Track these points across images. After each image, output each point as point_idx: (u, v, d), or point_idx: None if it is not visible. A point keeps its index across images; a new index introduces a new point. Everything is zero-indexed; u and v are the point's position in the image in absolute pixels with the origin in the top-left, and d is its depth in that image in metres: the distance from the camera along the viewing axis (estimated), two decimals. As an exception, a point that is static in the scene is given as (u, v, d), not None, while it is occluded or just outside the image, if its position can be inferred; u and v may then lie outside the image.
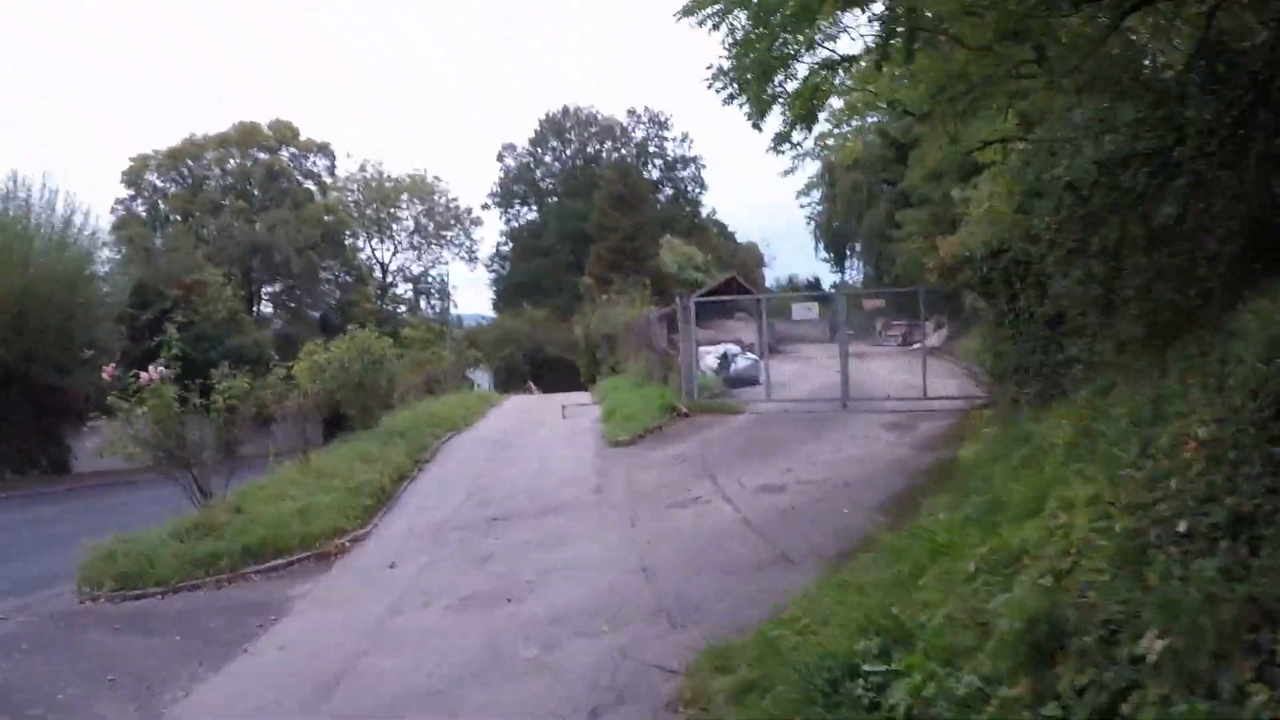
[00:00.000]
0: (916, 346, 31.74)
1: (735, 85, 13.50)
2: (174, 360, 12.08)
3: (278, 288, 46.59)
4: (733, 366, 20.87)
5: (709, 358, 20.89)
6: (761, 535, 8.96)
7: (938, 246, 27.36)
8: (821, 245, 51.50)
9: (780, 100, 13.01)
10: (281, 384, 14.42)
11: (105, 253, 28.98)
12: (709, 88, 13.12)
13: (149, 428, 11.28)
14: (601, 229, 43.78)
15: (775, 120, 11.53)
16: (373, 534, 11.30)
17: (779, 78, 12.45)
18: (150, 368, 11.61)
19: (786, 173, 54.24)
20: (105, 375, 11.72)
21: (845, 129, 13.87)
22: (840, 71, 12.72)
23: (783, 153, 13.17)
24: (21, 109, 72.94)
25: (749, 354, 22.38)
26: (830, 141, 17.14)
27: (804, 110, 13.01)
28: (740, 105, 13.32)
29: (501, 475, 13.45)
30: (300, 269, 42.93)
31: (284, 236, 41.97)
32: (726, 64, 10.65)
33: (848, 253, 51.92)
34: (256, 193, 46.08)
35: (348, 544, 10.85)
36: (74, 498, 19.07)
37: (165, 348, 12.11)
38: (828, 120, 13.47)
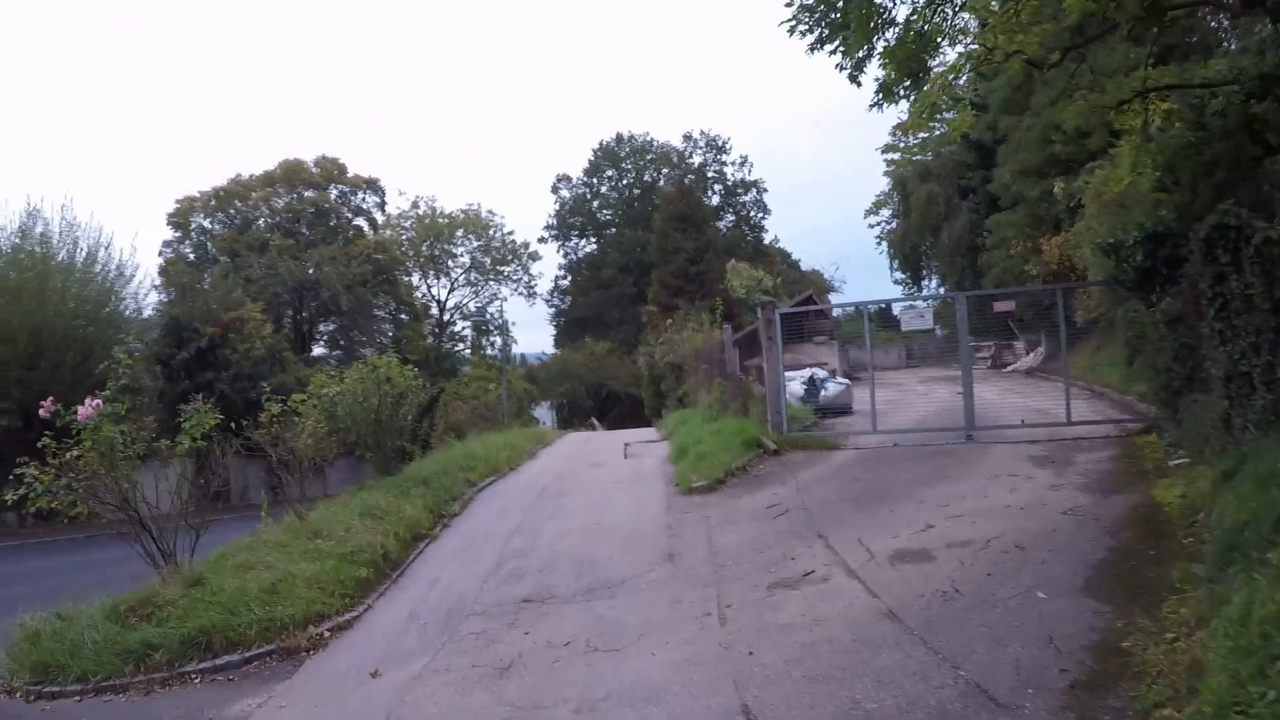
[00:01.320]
0: (1010, 369, 28.15)
1: (824, 25, 10.65)
2: (124, 393, 9.45)
3: (331, 326, 44.78)
4: (822, 393, 17.57)
5: (793, 383, 17.60)
6: (924, 642, 5.68)
7: (1041, 249, 24.05)
8: (896, 265, 48.06)
9: (879, 45, 10.33)
10: (280, 420, 11.61)
11: (133, 287, 26.74)
12: (790, 32, 10.28)
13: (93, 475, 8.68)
14: (663, 253, 40.69)
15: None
16: (363, 620, 8.27)
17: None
18: (87, 400, 8.93)
19: (886, 151, 51.28)
20: (42, 411, 9.02)
21: (963, 77, 10.77)
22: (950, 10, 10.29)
23: (885, 108, 10.57)
24: (68, 151, 73.89)
25: (839, 378, 19.03)
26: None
27: (909, 55, 10.15)
28: (831, 51, 10.44)
29: (544, 534, 10.33)
30: (350, 306, 40.93)
31: (332, 273, 40.07)
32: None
33: (925, 271, 48.34)
34: (305, 231, 44.53)
35: (326, 633, 7.86)
36: (74, 550, 16.51)
37: (110, 376, 9.45)
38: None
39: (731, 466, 12.49)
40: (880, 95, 10.33)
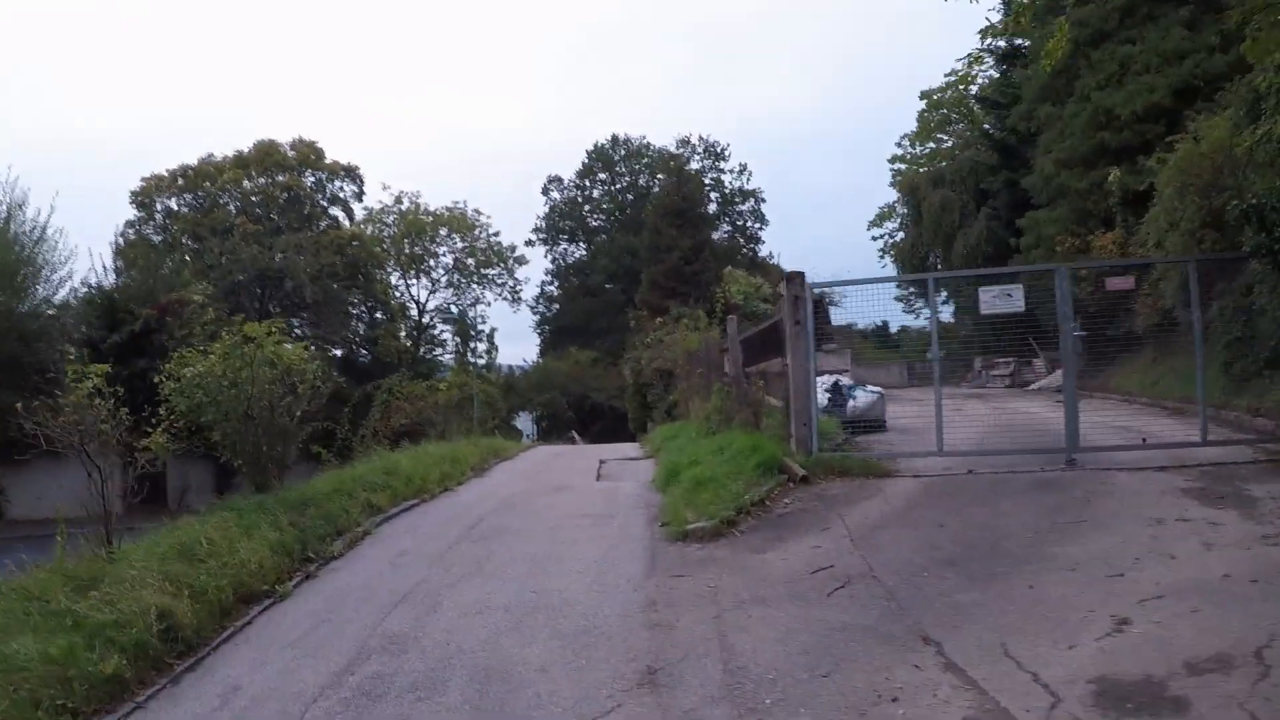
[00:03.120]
0: (1035, 387, 24.33)
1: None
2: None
3: (297, 321, 40.57)
4: (850, 403, 13.64)
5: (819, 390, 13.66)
6: None
7: (1089, 247, 20.48)
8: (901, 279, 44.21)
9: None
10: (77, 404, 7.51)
11: (59, 255, 22.83)
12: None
13: None
14: (655, 250, 36.28)
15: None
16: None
17: None
18: None
19: (894, 161, 47.81)
20: None
21: None
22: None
23: None
24: (30, 126, 69.49)
25: (870, 387, 14.98)
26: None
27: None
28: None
29: (444, 609, 6.18)
30: (315, 299, 36.74)
31: (298, 262, 35.96)
32: None
33: (934, 285, 44.48)
34: (275, 217, 40.41)
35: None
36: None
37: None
38: None
39: (745, 499, 8.46)
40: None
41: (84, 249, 39.86)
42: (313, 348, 10.45)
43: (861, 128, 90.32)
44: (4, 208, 22.26)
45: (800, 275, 10.71)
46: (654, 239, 37.00)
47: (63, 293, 26.42)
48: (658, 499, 9.95)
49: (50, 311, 25.07)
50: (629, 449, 19.57)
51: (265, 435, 9.53)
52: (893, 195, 49.39)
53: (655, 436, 19.20)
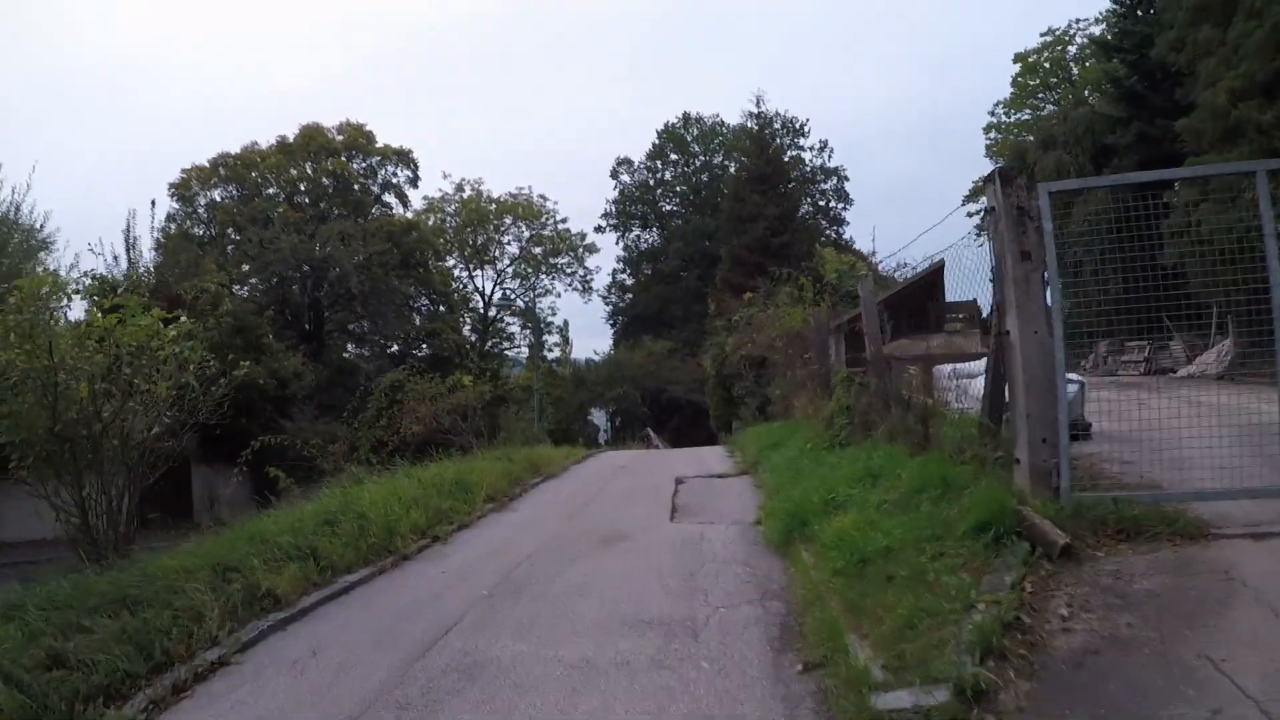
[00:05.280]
0: (1184, 373, 18.88)
1: None
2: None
3: (348, 314, 37.18)
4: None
5: (975, 383, 8.87)
6: None
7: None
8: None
9: None
10: None
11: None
12: None
13: None
14: (737, 222, 30.96)
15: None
16: None
17: None
18: None
19: (988, 131, 41.75)
20: None
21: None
22: None
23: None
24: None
25: (1070, 375, 10.01)
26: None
27: None
28: None
29: None
30: (362, 290, 33.17)
31: (342, 251, 32.44)
32: None
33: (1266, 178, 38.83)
34: (322, 205, 37.11)
35: None
36: None
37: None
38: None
39: (987, 620, 3.79)
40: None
41: (101, 240, 36.53)
42: (184, 319, 6.06)
43: (929, 118, 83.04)
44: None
45: (1021, 175, 5.98)
46: (735, 208, 31.77)
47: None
48: (779, 574, 5.40)
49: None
50: (713, 456, 15.07)
51: (87, 467, 5.32)
52: (985, 168, 44.06)
53: (747, 440, 14.64)
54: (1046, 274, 5.54)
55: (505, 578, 5.94)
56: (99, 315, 5.50)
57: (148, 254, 24.38)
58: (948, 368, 10.21)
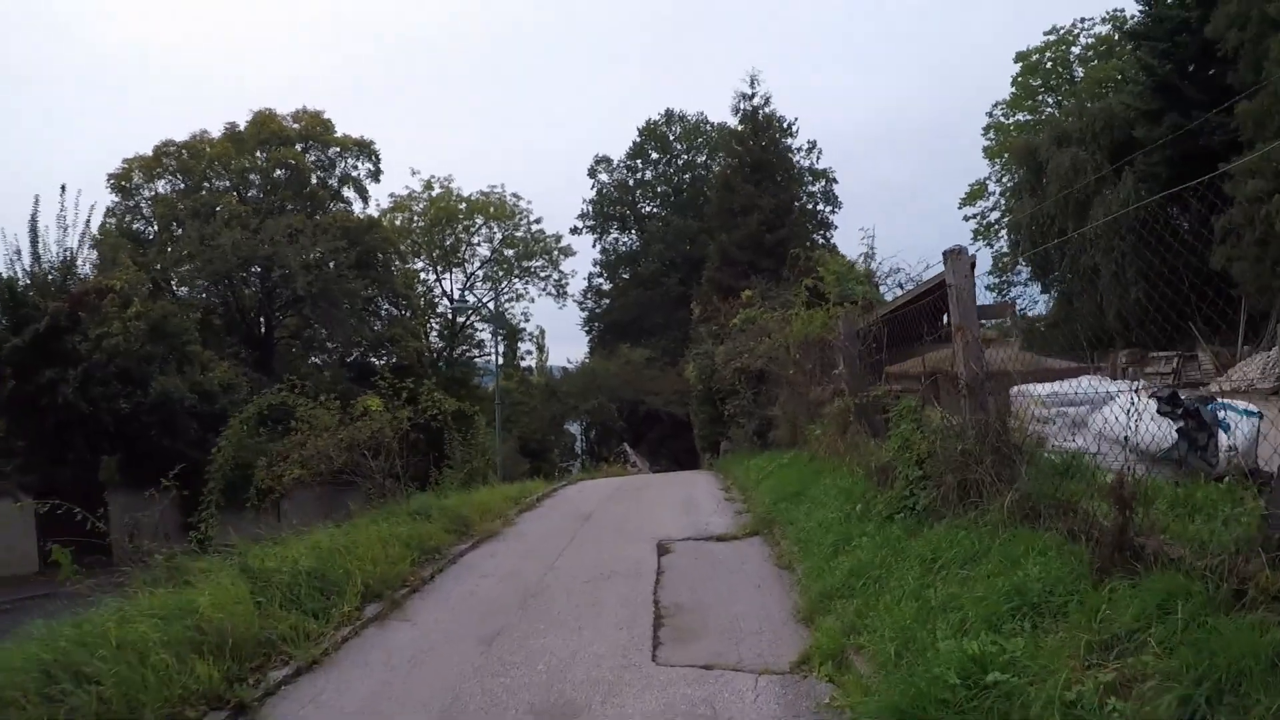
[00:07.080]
0: (1226, 386, 16.05)
1: None
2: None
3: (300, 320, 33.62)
4: (1229, 439, 5.72)
5: (1102, 414, 5.69)
6: None
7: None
8: (1017, 254, 35.47)
9: None
10: None
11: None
12: None
13: None
14: (727, 215, 27.23)
15: None
16: None
17: None
18: None
19: (988, 131, 38.94)
20: None
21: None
22: None
23: None
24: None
25: (1244, 405, 6.82)
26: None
27: None
28: None
29: None
30: (311, 292, 29.63)
31: (287, 249, 28.95)
32: None
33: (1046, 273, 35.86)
34: (274, 199, 33.59)
35: None
36: None
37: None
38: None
39: None
40: None
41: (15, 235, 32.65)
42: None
43: (915, 125, 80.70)
44: None
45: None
46: (724, 200, 28.17)
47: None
48: None
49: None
50: (703, 491, 11.96)
51: None
52: (982, 171, 41.69)
53: (747, 474, 11.50)
54: None
55: None
56: None
57: (54, 248, 20.87)
58: (1040, 389, 7.10)
